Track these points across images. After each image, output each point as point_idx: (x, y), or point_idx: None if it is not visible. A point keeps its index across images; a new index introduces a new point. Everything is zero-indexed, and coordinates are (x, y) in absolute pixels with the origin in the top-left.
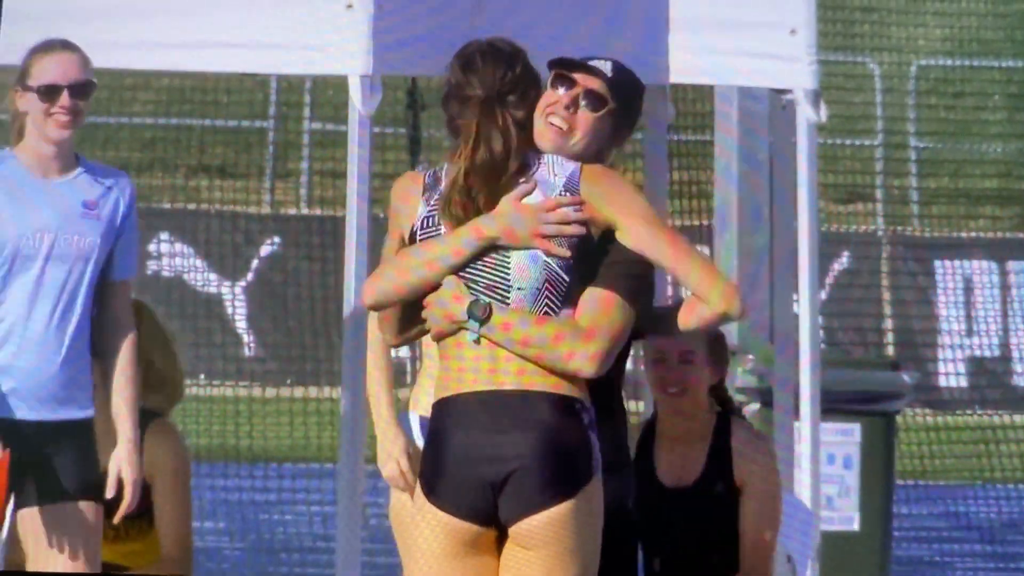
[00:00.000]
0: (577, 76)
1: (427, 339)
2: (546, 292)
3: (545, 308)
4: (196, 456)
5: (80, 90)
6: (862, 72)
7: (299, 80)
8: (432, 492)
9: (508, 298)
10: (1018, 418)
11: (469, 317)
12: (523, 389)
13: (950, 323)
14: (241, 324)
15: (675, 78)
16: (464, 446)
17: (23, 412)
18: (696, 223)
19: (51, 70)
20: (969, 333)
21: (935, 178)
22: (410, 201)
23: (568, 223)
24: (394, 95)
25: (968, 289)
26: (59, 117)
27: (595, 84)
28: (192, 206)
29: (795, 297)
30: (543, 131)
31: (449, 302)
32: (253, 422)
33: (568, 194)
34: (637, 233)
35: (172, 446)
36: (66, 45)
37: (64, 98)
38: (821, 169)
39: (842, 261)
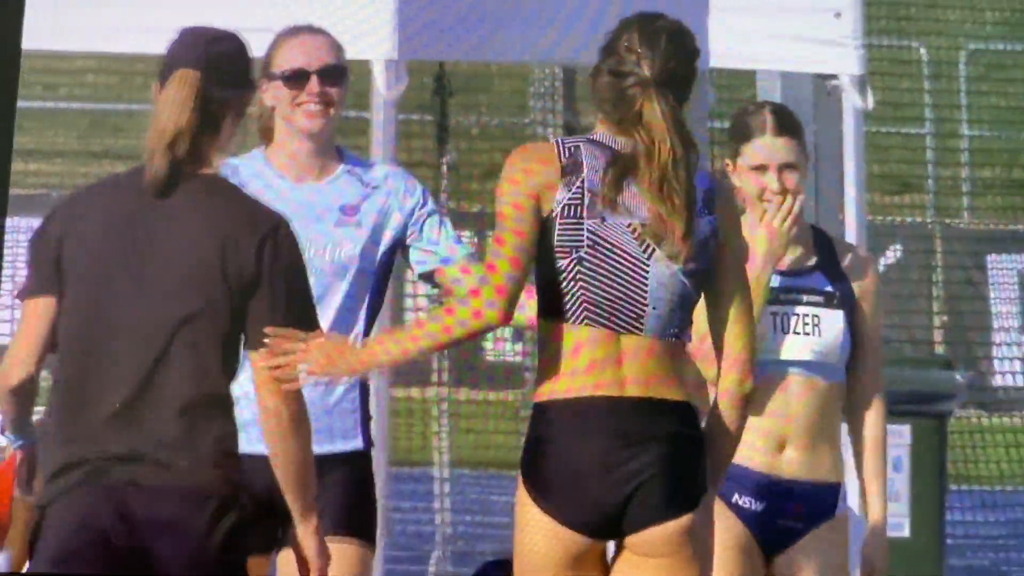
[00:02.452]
0: None
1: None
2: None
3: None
4: None
5: (330, 76)
6: (910, 57)
7: None
8: (546, 500)
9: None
10: None
11: None
12: (650, 397)
13: (1004, 320)
14: None
15: (716, 62)
16: (591, 458)
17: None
18: None
19: (297, 55)
20: None
21: (988, 168)
22: (552, 178)
23: None
24: (421, 81)
25: (1023, 284)
26: (308, 106)
27: None
28: None
29: None
30: None
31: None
32: None
33: None
34: None
35: None
36: (312, 28)
37: (313, 84)
38: (868, 158)
39: (891, 255)
